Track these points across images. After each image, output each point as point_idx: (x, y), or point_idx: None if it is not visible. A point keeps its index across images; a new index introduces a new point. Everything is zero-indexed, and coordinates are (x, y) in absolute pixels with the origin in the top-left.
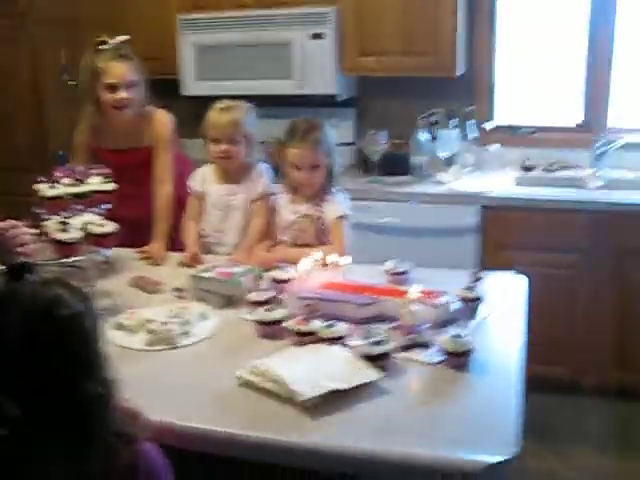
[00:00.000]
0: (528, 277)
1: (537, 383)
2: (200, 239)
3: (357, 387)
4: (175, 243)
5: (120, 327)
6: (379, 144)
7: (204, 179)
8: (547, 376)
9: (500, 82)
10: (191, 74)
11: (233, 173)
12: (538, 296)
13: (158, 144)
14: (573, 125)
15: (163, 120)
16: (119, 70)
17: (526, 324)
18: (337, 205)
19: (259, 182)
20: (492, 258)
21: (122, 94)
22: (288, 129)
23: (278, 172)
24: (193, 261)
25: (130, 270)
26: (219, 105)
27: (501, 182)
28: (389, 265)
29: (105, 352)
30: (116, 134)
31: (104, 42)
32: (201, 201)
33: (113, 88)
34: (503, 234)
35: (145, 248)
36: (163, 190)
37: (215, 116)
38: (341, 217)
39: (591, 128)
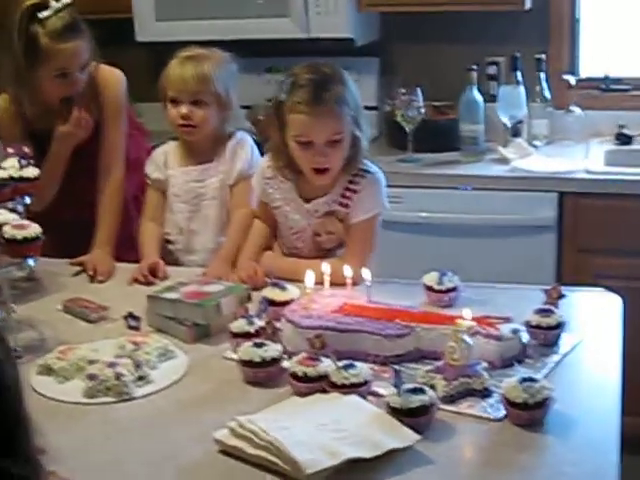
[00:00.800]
0: (622, 296)
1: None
2: (165, 245)
3: (386, 455)
4: (127, 251)
5: (48, 371)
6: (414, 108)
7: (164, 162)
8: None
9: (587, 18)
10: (149, 12)
11: (201, 149)
12: (637, 322)
13: (105, 116)
14: None
15: (111, 81)
16: (70, 52)
17: (622, 362)
18: (370, 198)
19: (238, 157)
20: (574, 266)
21: (77, 82)
22: (290, 82)
23: (266, 150)
24: (152, 275)
25: (62, 290)
26: (182, 54)
27: (587, 159)
28: (430, 279)
29: (29, 416)
30: (52, 111)
31: (41, 5)
32: (163, 193)
33: (64, 75)
34: (589, 233)
35: (83, 258)
36: (110, 180)
37: (175, 68)
38: (373, 216)
39: None
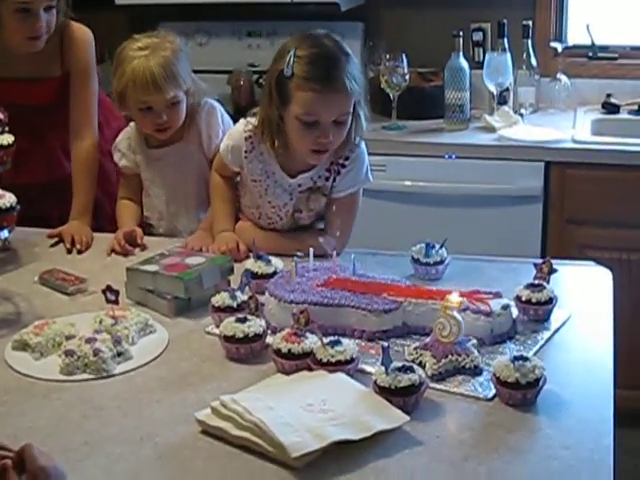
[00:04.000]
0: (608, 267)
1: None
2: (146, 230)
3: (374, 436)
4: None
5: (24, 346)
6: (399, 74)
7: (129, 147)
8: None
9: None
10: None
11: None
12: (624, 294)
13: (75, 75)
14: None
15: (81, 38)
16: None
17: (614, 338)
18: (357, 172)
19: (212, 129)
20: (559, 237)
21: (40, 20)
22: (294, 56)
23: (247, 118)
24: (130, 244)
25: (39, 261)
26: (137, 51)
27: (574, 128)
28: (417, 252)
29: None
30: (16, 58)
31: None
32: (137, 175)
33: (27, 11)
34: (576, 203)
35: (60, 229)
36: (83, 144)
37: (138, 69)
38: (358, 189)
39: None
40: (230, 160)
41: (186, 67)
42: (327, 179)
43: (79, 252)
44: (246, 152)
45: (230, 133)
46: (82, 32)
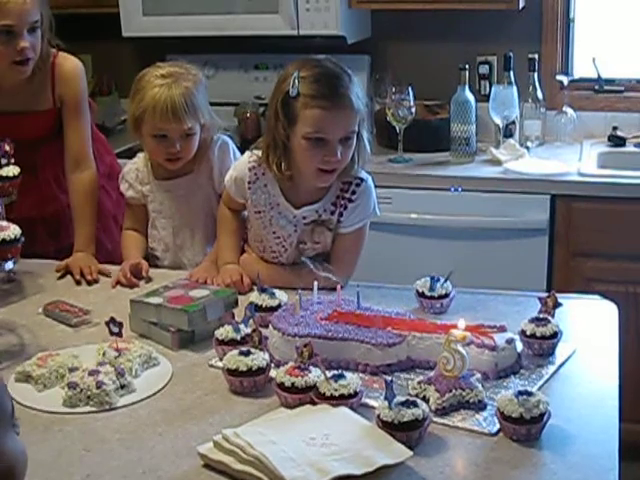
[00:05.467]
0: (615, 300)
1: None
2: (152, 262)
3: (377, 471)
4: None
5: (27, 378)
6: (405, 107)
7: (137, 178)
8: None
9: (582, 17)
10: (136, 6)
11: None
12: (631, 327)
13: (69, 107)
14: None
15: (73, 70)
16: (18, 7)
17: (620, 372)
18: (364, 207)
19: (224, 165)
20: (566, 270)
21: (25, 41)
22: (298, 78)
23: (251, 149)
24: (136, 276)
25: (43, 292)
26: (158, 79)
27: (580, 161)
28: (421, 285)
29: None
30: (6, 92)
31: None
32: (143, 206)
33: (10, 34)
34: (582, 236)
35: (67, 261)
36: (83, 176)
37: (158, 97)
38: (365, 224)
39: None
40: (234, 191)
41: (205, 100)
42: (332, 213)
43: (89, 283)
44: (249, 183)
45: (235, 165)
46: (72, 63)
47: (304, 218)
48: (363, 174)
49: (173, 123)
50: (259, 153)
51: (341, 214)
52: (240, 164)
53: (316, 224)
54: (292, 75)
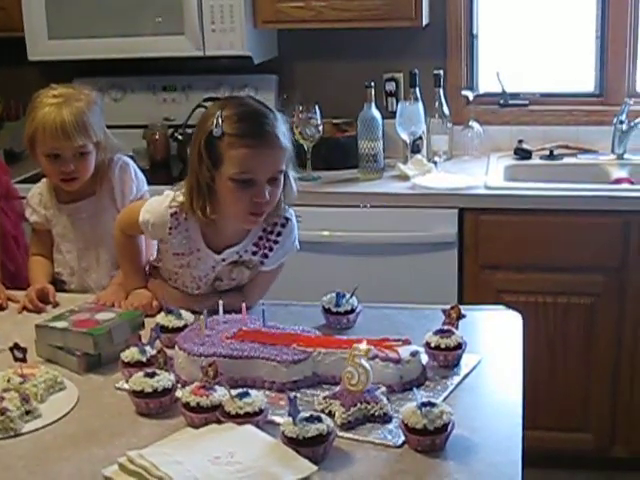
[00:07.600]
0: (524, 310)
1: (545, 455)
2: (58, 286)
3: None
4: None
5: None
6: (312, 125)
7: (40, 202)
8: (563, 446)
9: (485, 32)
10: (41, 30)
11: (80, 187)
12: (540, 337)
13: None
14: (585, 92)
15: None
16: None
17: (523, 381)
18: (287, 247)
19: (125, 181)
20: (475, 282)
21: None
22: (222, 117)
23: (174, 190)
24: (42, 301)
25: None
26: (50, 99)
27: (487, 175)
28: (327, 301)
29: None
30: None
31: None
32: (48, 231)
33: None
34: (490, 249)
35: None
36: None
37: (48, 117)
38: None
39: (609, 98)
40: (151, 233)
41: (99, 120)
42: (255, 254)
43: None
44: (170, 229)
45: (152, 207)
46: None
47: (223, 260)
48: (288, 212)
49: (63, 141)
50: (180, 197)
51: (266, 255)
52: (158, 208)
53: (235, 264)
54: (215, 114)
